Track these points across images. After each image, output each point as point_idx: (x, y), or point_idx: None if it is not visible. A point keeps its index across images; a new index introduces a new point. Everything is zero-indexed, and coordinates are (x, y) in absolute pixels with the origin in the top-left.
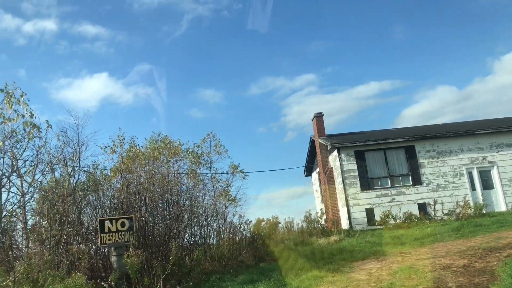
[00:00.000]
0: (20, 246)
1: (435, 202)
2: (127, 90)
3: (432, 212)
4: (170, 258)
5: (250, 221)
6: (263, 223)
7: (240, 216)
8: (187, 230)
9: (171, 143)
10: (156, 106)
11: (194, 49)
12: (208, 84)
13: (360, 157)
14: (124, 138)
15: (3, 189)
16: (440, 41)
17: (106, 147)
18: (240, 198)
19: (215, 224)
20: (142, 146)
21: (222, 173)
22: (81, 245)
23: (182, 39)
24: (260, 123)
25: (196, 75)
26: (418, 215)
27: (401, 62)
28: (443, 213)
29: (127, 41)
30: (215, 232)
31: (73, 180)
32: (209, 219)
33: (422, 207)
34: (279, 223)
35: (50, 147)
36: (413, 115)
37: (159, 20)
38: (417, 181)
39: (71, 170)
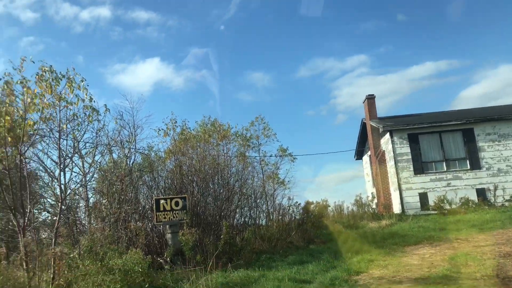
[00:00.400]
0: (83, 222)
1: (496, 188)
2: (178, 74)
3: (492, 198)
4: (222, 236)
5: (299, 204)
6: (312, 206)
7: (289, 198)
8: (237, 210)
9: (220, 126)
10: (205, 90)
11: (243, 32)
12: (256, 67)
13: (413, 140)
14: (176, 122)
15: (66, 169)
16: (503, 17)
17: (159, 130)
18: (288, 181)
19: (264, 206)
20: (193, 129)
21: (270, 156)
22: (138, 222)
23: (231, 22)
24: (309, 105)
25: (245, 58)
26: (476, 200)
27: (459, 40)
28: (504, 199)
29: (177, 26)
30: (264, 214)
31: (130, 161)
32: (258, 200)
33: (480, 192)
34: (329, 206)
35: (108, 130)
36: (472, 97)
37: (208, 4)
38: (475, 165)
39: (128, 152)
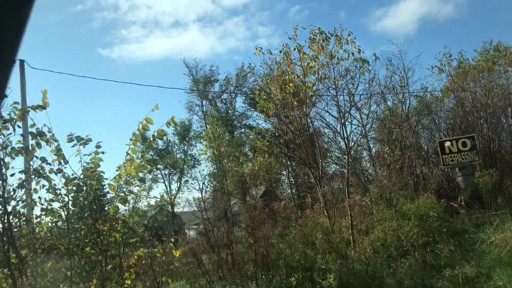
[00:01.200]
0: (369, 170)
1: None
2: (445, 1)
3: None
4: None
5: None
6: None
7: None
8: None
9: (507, 49)
10: (482, 11)
11: None
12: None
13: None
14: (451, 55)
15: (346, 123)
16: None
17: (433, 67)
18: None
19: None
20: (472, 60)
21: None
22: (422, 167)
23: None
24: None
25: None
26: None
27: None
28: None
29: None
30: None
31: (405, 107)
32: None
33: None
34: None
35: (379, 79)
36: None
37: None
38: None
39: (402, 97)
